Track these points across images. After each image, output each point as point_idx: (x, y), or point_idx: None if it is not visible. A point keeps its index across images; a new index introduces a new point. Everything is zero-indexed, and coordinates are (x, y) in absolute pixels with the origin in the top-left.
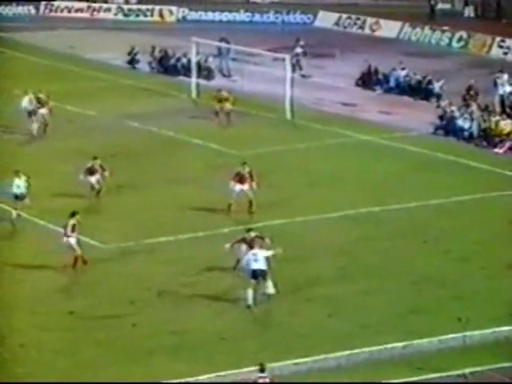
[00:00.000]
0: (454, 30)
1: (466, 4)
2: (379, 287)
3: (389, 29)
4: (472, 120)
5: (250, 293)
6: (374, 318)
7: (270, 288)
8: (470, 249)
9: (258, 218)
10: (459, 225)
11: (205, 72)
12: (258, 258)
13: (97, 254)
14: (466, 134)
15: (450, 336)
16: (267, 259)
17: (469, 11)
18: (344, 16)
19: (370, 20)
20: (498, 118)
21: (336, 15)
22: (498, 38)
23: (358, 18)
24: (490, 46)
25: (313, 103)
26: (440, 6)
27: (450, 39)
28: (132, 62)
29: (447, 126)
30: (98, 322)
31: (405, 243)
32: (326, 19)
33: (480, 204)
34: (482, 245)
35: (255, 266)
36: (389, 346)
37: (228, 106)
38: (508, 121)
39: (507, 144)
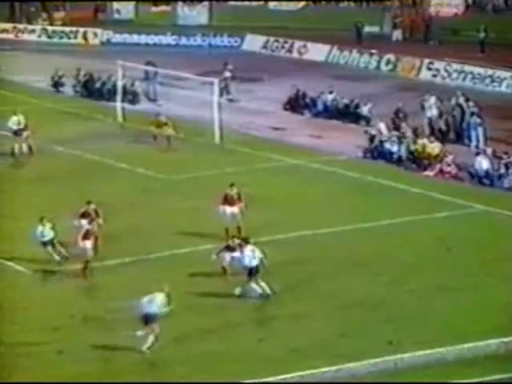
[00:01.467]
0: (382, 53)
1: (395, 27)
2: (308, 311)
3: (317, 52)
4: (401, 143)
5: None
6: (304, 342)
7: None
8: (400, 271)
9: (185, 243)
10: (390, 248)
11: (130, 96)
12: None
13: (21, 279)
14: (395, 157)
15: (381, 359)
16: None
17: (397, 34)
18: (272, 39)
19: (297, 43)
20: (425, 140)
21: (263, 38)
22: (426, 60)
23: (286, 42)
24: (419, 69)
25: (242, 127)
26: (368, 29)
27: (379, 62)
28: (56, 85)
29: (376, 150)
30: (23, 348)
31: (335, 267)
32: (253, 42)
33: (410, 227)
34: (412, 267)
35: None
36: (322, 369)
37: (169, 130)
38: (436, 144)
39: (437, 167)
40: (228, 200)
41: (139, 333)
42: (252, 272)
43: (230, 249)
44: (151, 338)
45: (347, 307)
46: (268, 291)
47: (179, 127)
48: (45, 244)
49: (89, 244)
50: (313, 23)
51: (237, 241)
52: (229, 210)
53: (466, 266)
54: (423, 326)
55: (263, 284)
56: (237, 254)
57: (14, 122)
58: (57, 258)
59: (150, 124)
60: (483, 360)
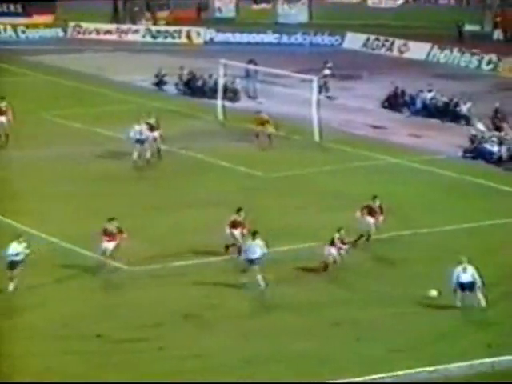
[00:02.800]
0: (483, 52)
1: (495, 26)
2: (408, 310)
3: (417, 51)
4: (501, 143)
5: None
6: (403, 343)
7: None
8: (501, 273)
9: (282, 242)
10: (490, 247)
11: (230, 94)
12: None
13: (123, 277)
14: (495, 157)
15: (479, 361)
16: None
17: (498, 34)
18: (372, 38)
19: (398, 42)
20: None
21: (364, 37)
22: None
23: (387, 40)
24: None
25: (341, 125)
26: (469, 28)
27: (480, 62)
28: (159, 83)
29: (476, 149)
30: (124, 345)
31: (437, 266)
32: (353, 41)
33: (509, 228)
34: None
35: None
36: (415, 370)
37: (270, 128)
38: None
39: None
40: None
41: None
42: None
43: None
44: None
45: (446, 308)
46: None
47: (279, 125)
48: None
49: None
50: (412, 21)
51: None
52: (371, 220)
53: None
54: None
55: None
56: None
57: (137, 131)
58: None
59: (252, 122)
60: None
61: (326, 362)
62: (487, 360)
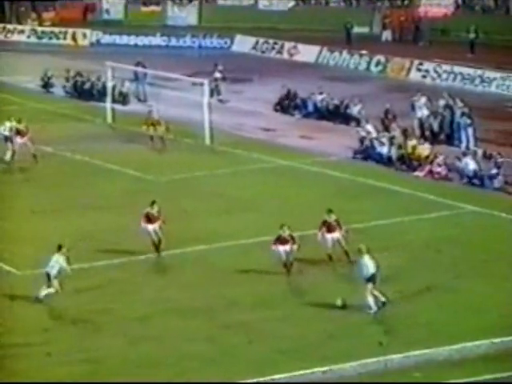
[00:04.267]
0: (372, 53)
1: (384, 28)
2: (294, 314)
3: (307, 53)
4: (391, 144)
5: None
6: (290, 345)
7: None
8: (389, 272)
9: (175, 245)
10: (379, 249)
11: (120, 97)
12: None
13: (11, 281)
14: (385, 158)
15: (371, 360)
16: None
17: (386, 35)
18: (261, 40)
19: (287, 44)
20: (415, 141)
21: (253, 39)
22: (416, 61)
23: (276, 43)
24: (409, 70)
25: (232, 128)
26: (358, 29)
27: (369, 63)
28: (46, 85)
29: (366, 151)
30: (10, 350)
31: (328, 268)
32: (243, 44)
33: (400, 227)
34: (402, 268)
35: None
36: (308, 371)
37: (161, 129)
38: (426, 145)
39: (427, 168)
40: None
41: None
42: None
43: (282, 241)
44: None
45: (337, 308)
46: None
47: (169, 128)
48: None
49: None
50: (302, 24)
51: (287, 231)
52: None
53: (455, 266)
54: (412, 326)
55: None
56: (288, 247)
57: (7, 127)
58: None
59: (142, 123)
60: (472, 361)
61: (216, 364)
62: (379, 358)
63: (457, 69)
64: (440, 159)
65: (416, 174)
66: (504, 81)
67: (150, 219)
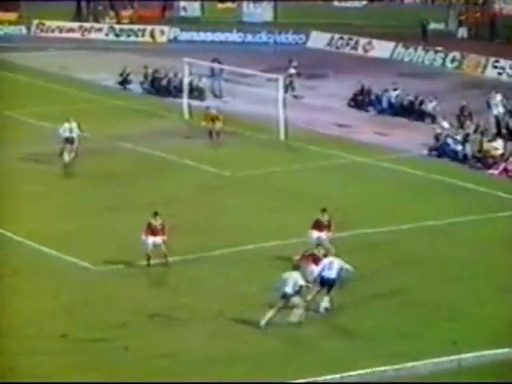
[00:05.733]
0: (448, 50)
1: (460, 24)
2: (371, 311)
3: (382, 49)
4: (466, 141)
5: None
6: (360, 344)
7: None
8: (464, 271)
9: (252, 240)
10: (454, 247)
11: (196, 93)
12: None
13: (87, 276)
14: (460, 155)
15: (445, 358)
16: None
17: (462, 32)
18: (336, 36)
19: (362, 40)
20: (491, 139)
21: (328, 35)
22: (492, 59)
23: (351, 39)
24: (485, 67)
25: (307, 124)
26: (433, 26)
27: (444, 59)
28: (124, 82)
29: (441, 148)
30: (89, 345)
31: (400, 265)
32: (318, 39)
33: (474, 226)
34: (476, 267)
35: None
36: (381, 368)
37: (218, 125)
38: (501, 142)
39: (501, 166)
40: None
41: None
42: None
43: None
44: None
45: (409, 306)
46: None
47: (244, 124)
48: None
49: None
50: (377, 20)
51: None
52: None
53: None
54: (486, 327)
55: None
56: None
57: (66, 128)
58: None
59: (203, 118)
60: None
61: (291, 361)
62: (453, 357)
63: None
64: None
65: (490, 171)
66: None
67: (152, 231)
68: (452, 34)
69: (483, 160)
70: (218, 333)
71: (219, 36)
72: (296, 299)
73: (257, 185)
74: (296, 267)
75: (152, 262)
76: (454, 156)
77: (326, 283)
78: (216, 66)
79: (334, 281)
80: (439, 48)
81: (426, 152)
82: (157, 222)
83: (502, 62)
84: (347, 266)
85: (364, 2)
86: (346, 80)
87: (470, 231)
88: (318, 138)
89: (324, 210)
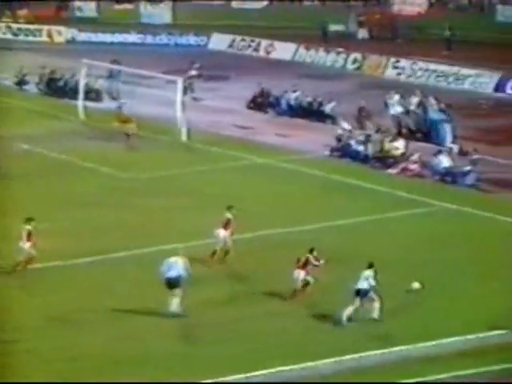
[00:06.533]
0: (349, 51)
1: (360, 26)
2: (281, 309)
3: (283, 51)
4: (367, 142)
5: None
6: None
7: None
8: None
9: (156, 241)
10: (357, 246)
11: (93, 94)
12: None
13: None
14: (361, 155)
15: (347, 357)
16: None
17: (363, 33)
18: (238, 38)
19: (264, 42)
20: (391, 139)
21: (230, 37)
22: (392, 59)
23: (253, 40)
24: (385, 67)
25: (208, 126)
26: (334, 27)
27: (345, 61)
28: (21, 83)
29: (343, 148)
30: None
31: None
32: (219, 41)
33: (376, 225)
34: (380, 265)
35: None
36: (289, 367)
37: (132, 126)
38: (401, 142)
39: (401, 165)
40: (225, 224)
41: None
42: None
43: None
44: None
45: (318, 303)
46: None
47: (145, 125)
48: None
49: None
50: (278, 22)
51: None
52: (223, 233)
53: (432, 263)
54: (390, 323)
55: None
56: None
57: None
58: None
59: (113, 120)
60: (448, 357)
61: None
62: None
63: (432, 66)
64: (415, 157)
65: (389, 171)
66: (478, 78)
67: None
68: (352, 35)
69: (384, 160)
70: (121, 335)
71: (118, 37)
72: (373, 295)
73: (160, 186)
74: (370, 265)
75: (39, 265)
76: (355, 156)
77: (168, 282)
78: (114, 67)
79: (177, 280)
80: (340, 49)
81: (327, 153)
82: (30, 227)
83: (402, 63)
84: (188, 267)
85: (264, 3)
86: (248, 82)
87: (372, 230)
88: (220, 140)
89: (228, 208)
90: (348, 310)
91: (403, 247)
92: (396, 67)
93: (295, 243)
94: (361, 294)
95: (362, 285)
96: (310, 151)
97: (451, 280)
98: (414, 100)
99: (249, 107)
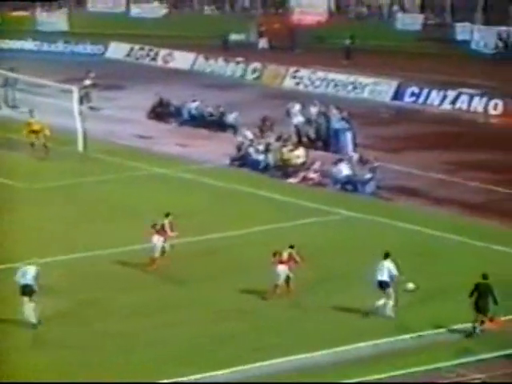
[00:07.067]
0: (249, 61)
1: (261, 35)
2: (180, 319)
3: (182, 60)
4: (267, 151)
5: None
6: (175, 351)
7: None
8: (268, 278)
9: (47, 252)
10: (256, 255)
11: None
12: None
13: None
14: (261, 164)
15: (247, 366)
16: None
17: (263, 43)
18: (136, 47)
19: (163, 51)
20: (291, 148)
21: (128, 46)
22: (291, 69)
23: (151, 50)
24: (284, 77)
25: (106, 136)
26: (234, 37)
27: (245, 71)
28: None
29: (243, 158)
30: None
31: (203, 273)
32: (117, 50)
33: (276, 234)
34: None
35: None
36: (192, 377)
37: (42, 136)
38: (302, 151)
39: (301, 174)
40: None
41: None
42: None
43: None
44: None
45: (214, 315)
46: None
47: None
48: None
49: None
50: (178, 31)
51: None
52: (156, 239)
53: (331, 270)
54: (289, 333)
55: None
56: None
57: None
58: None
59: (24, 129)
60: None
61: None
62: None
63: (330, 75)
64: (316, 165)
65: (290, 180)
66: (376, 86)
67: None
68: (253, 44)
69: (284, 169)
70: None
71: (16, 44)
72: (390, 290)
73: (57, 196)
74: (386, 255)
75: None
76: (256, 166)
77: (22, 289)
78: (10, 75)
79: (28, 286)
80: (240, 59)
81: (228, 162)
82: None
83: (301, 72)
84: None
85: (164, 11)
86: (147, 91)
87: (271, 239)
88: (118, 150)
89: (168, 214)
90: (381, 303)
91: (306, 255)
92: (295, 77)
93: (195, 253)
94: (383, 285)
95: (382, 276)
96: (210, 161)
97: (352, 286)
98: (314, 110)
99: (149, 117)
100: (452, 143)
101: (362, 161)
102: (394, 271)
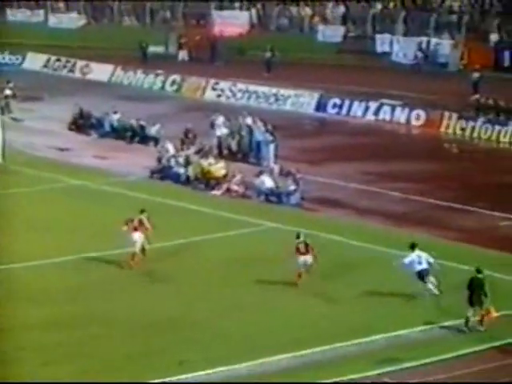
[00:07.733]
0: (169, 73)
1: (180, 47)
2: (105, 332)
3: (100, 72)
4: (188, 163)
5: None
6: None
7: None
8: (194, 291)
9: None
10: (182, 267)
11: None
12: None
13: None
14: (182, 177)
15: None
16: None
17: (183, 55)
18: (53, 58)
19: (80, 63)
20: (212, 160)
21: (45, 57)
22: (212, 81)
23: (68, 61)
24: (204, 89)
25: (25, 147)
26: (153, 49)
27: (164, 83)
28: None
29: (164, 170)
30: None
31: (131, 285)
32: (34, 61)
33: (201, 246)
34: (206, 286)
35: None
36: None
37: None
38: (223, 163)
39: (224, 186)
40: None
41: None
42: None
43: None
44: None
45: (142, 327)
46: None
47: None
48: None
49: None
50: (96, 42)
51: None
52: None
53: (259, 283)
54: (218, 343)
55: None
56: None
57: None
58: None
59: None
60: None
61: None
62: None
63: (252, 87)
64: (238, 178)
65: (213, 192)
66: (298, 98)
67: None
68: (172, 56)
69: (206, 181)
70: None
71: None
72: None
73: None
74: (413, 245)
75: None
76: (176, 178)
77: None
78: None
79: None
80: (159, 71)
81: (148, 175)
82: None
83: (222, 84)
84: None
85: (80, 23)
86: (65, 103)
87: (194, 252)
88: (36, 162)
89: (143, 211)
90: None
91: (227, 267)
92: (215, 89)
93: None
94: (424, 273)
95: (422, 265)
96: (130, 173)
97: (280, 297)
98: (240, 121)
99: (70, 129)
100: (374, 154)
101: (284, 173)
102: (431, 258)
